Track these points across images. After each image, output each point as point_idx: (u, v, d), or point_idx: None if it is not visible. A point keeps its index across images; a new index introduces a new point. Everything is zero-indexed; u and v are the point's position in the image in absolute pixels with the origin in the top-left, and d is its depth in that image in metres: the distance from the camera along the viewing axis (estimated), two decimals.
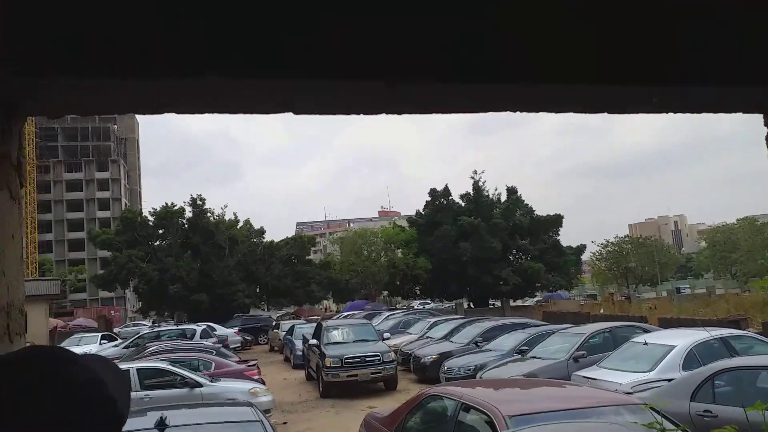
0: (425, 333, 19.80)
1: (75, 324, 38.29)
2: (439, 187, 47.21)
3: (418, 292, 49.06)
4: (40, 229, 79.67)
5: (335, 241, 58.15)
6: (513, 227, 43.81)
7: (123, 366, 11.10)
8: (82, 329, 34.29)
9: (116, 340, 26.56)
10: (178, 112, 1.20)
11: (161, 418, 4.00)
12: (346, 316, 28.30)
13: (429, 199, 47.04)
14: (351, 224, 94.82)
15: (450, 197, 46.77)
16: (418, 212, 48.04)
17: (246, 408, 4.77)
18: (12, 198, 1.09)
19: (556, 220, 45.96)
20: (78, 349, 18.22)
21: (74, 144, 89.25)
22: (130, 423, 3.50)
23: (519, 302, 46.58)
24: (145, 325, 37.28)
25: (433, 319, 22.33)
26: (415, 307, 43.25)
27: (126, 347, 21.32)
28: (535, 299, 48.94)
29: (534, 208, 46.86)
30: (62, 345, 15.81)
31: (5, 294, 1.02)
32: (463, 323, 18.91)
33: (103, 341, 25.84)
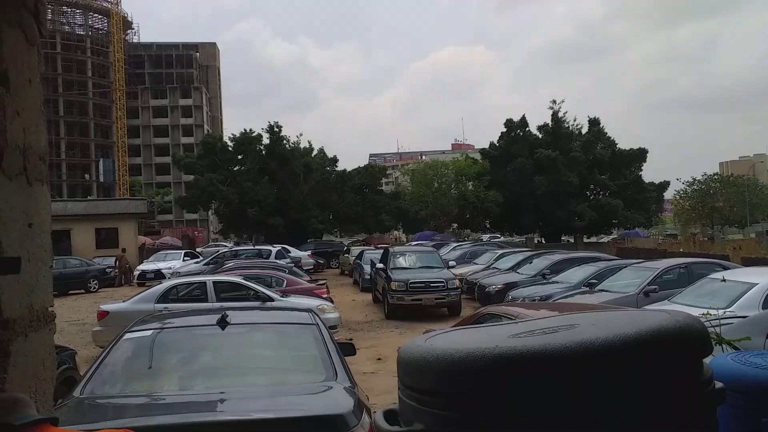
0: (492, 264, 19.74)
1: (161, 242, 41.01)
2: (516, 118, 45.64)
3: (488, 226, 48.63)
4: (130, 153, 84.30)
5: (406, 172, 58.04)
6: (592, 161, 41.99)
7: (201, 279, 11.89)
8: (168, 247, 36.67)
9: (198, 257, 28.28)
10: None
11: (223, 315, 4.19)
12: (414, 246, 28.65)
13: (504, 130, 45.60)
14: (423, 156, 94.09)
15: (527, 129, 45.11)
16: (492, 144, 46.82)
17: (304, 313, 4.91)
18: (28, 42, 1.08)
19: (639, 155, 43.63)
20: (163, 264, 19.69)
21: (159, 71, 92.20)
22: (198, 320, 3.69)
23: (593, 239, 45.30)
24: (226, 245, 39.23)
25: (500, 251, 22.18)
26: (484, 240, 43.05)
27: (206, 264, 22.72)
28: (611, 236, 47.41)
29: (616, 142, 44.62)
30: (150, 259, 17.19)
31: (21, 135, 1.03)
32: (530, 255, 18.67)
33: (186, 258, 27.66)
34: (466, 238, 46.84)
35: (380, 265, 16.22)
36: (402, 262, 16.18)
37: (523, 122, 45.18)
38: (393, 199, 47.09)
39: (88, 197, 61.35)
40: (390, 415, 1.43)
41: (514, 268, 17.33)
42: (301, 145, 45.72)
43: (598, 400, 1.27)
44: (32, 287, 1.09)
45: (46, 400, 1.14)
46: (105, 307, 10.76)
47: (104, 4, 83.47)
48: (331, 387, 3.50)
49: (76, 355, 6.80)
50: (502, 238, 44.88)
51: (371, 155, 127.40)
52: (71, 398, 3.36)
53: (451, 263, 17.80)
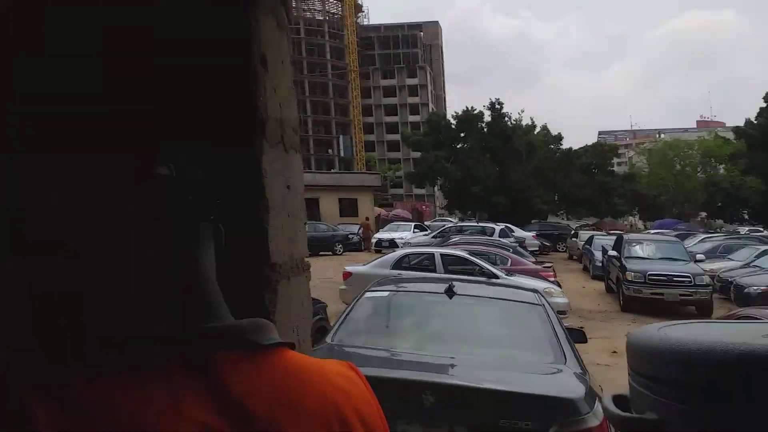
0: (752, 261, 16.96)
1: (394, 214, 43.67)
2: None
3: (746, 217, 41.98)
4: (365, 130, 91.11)
5: (642, 152, 53.10)
6: None
7: (430, 250, 12.52)
8: (400, 218, 38.93)
9: (426, 230, 29.56)
10: None
11: (450, 285, 4.39)
12: (653, 234, 26.04)
13: (764, 105, 38.51)
14: (661, 135, 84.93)
15: None
16: (748, 121, 39.95)
17: (530, 292, 4.87)
18: (279, 27, 1.22)
19: None
20: (396, 234, 20.91)
21: (387, 52, 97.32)
22: (428, 287, 3.83)
23: None
24: (451, 221, 40.25)
25: (763, 247, 18.93)
26: (742, 233, 37.24)
27: (434, 237, 23.63)
28: None
29: None
30: (384, 229, 18.53)
31: (277, 109, 1.16)
32: None
33: (415, 230, 29.20)
34: (717, 230, 41.14)
35: (613, 253, 15.01)
36: (638, 251, 14.75)
37: None
38: (626, 181, 43.45)
39: (332, 170, 67.92)
40: (620, 401, 1.42)
41: None
42: (523, 123, 44.61)
43: None
44: (292, 240, 1.26)
45: (304, 335, 1.32)
46: (349, 268, 11.83)
47: None
48: (561, 370, 3.43)
49: (327, 308, 7.55)
50: (765, 232, 38.38)
51: (600, 132, 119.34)
52: (324, 343, 3.84)
53: (699, 257, 15.65)
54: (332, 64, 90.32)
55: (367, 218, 32.38)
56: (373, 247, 26.35)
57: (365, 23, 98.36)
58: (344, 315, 4.29)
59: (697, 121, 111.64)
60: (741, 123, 41.31)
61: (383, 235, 27.72)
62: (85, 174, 0.58)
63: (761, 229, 41.45)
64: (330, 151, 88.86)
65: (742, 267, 16.48)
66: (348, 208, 34.36)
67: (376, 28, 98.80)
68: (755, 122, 39.26)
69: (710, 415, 1.18)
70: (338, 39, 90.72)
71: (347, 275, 11.32)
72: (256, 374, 0.59)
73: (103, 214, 0.58)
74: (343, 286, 11.12)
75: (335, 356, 3.61)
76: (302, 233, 1.38)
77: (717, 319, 6.35)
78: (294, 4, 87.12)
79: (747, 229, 42.74)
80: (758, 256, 17.18)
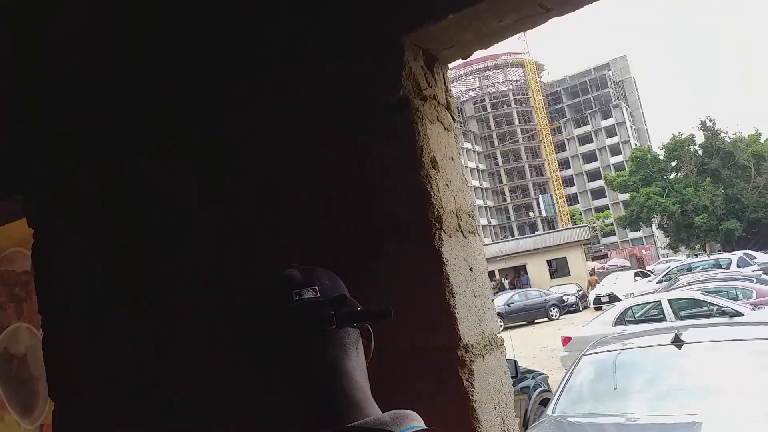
0: None
1: (610, 264, 40.82)
2: None
3: None
4: (564, 185, 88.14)
5: None
6: None
7: (655, 298, 11.54)
8: (618, 269, 36.30)
9: (649, 275, 27.11)
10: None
11: (676, 334, 4.08)
12: None
13: None
14: None
15: None
16: None
17: None
18: (446, 129, 1.42)
19: None
20: (615, 287, 19.32)
21: (577, 100, 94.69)
22: (652, 340, 3.69)
23: None
24: (677, 259, 36.49)
25: None
26: None
27: (659, 282, 21.56)
28: None
29: None
30: (601, 283, 17.21)
31: (452, 201, 1.35)
32: None
33: (636, 278, 26.91)
34: None
35: None
36: None
37: None
38: None
39: (536, 233, 66.50)
40: None
41: None
42: (744, 134, 39.54)
43: None
44: (481, 318, 1.34)
45: (507, 410, 1.35)
46: (568, 332, 11.44)
47: (518, 57, 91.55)
48: None
49: (548, 378, 7.39)
50: None
51: None
52: (546, 416, 3.75)
53: None
54: (522, 128, 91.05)
55: (591, 272, 30.73)
56: (591, 306, 24.86)
57: (549, 80, 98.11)
58: (563, 383, 4.12)
59: None
60: None
61: (600, 290, 25.86)
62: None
63: None
64: (531, 213, 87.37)
65: None
66: (558, 269, 33.13)
67: (561, 81, 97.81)
68: None
69: None
70: (524, 103, 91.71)
71: (566, 340, 10.92)
72: None
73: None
74: (564, 353, 10.70)
75: (563, 429, 3.53)
76: (490, 310, 1.46)
77: None
78: (478, 84, 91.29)
79: None
80: None
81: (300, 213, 1.40)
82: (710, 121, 39.80)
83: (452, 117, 1.47)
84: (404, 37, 1.26)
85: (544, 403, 5.24)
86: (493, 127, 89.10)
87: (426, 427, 0.72)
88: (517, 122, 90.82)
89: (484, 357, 1.30)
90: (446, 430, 0.79)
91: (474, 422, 1.20)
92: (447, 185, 1.33)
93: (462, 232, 1.36)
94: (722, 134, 39.56)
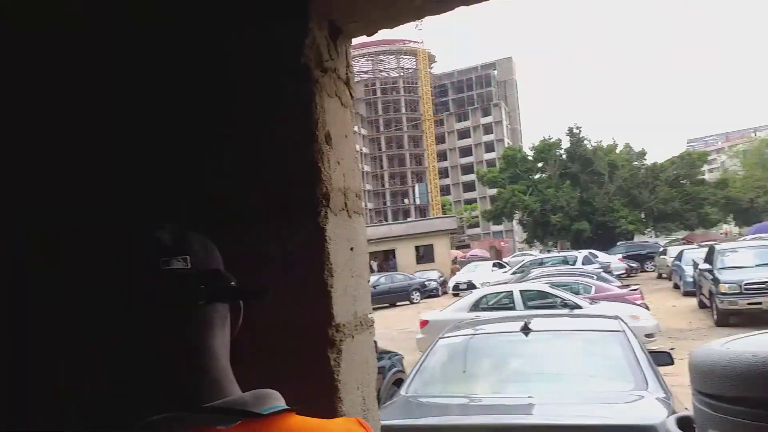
0: None
1: (471, 254, 43.25)
2: None
3: None
4: (440, 175, 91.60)
5: (735, 154, 50.09)
6: None
7: (508, 288, 12.31)
8: (478, 258, 38.55)
9: (505, 267, 29.13)
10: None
11: (525, 323, 4.34)
12: (749, 240, 24.41)
13: None
14: (756, 133, 79.77)
15: None
16: None
17: (611, 320, 4.72)
18: (343, 105, 1.38)
19: None
20: (473, 275, 20.42)
21: (462, 95, 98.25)
22: (504, 326, 3.92)
23: None
24: (531, 254, 39.50)
25: None
26: None
27: (513, 273, 23.24)
28: None
29: None
30: (461, 271, 18.05)
31: (341, 179, 1.32)
32: None
33: (493, 268, 28.69)
34: None
35: (705, 266, 14.30)
36: (732, 260, 13.97)
37: None
38: (718, 188, 41.05)
39: (408, 219, 68.57)
40: (683, 422, 1.45)
41: None
42: (604, 143, 43.56)
43: None
44: (355, 298, 1.33)
45: (370, 392, 1.35)
46: (425, 316, 11.77)
47: (413, 45, 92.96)
48: (642, 396, 3.38)
49: (404, 359, 7.58)
50: None
51: (689, 141, 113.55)
52: (399, 396, 3.86)
53: None
54: (408, 117, 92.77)
55: (454, 260, 32.11)
56: (450, 291, 25.95)
57: (438, 72, 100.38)
58: (419, 364, 4.22)
59: None
60: None
61: (460, 277, 27.04)
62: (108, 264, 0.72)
63: None
64: (406, 200, 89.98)
65: None
66: (425, 255, 34.36)
67: (449, 74, 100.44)
68: None
69: None
70: (413, 92, 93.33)
71: (424, 323, 11.20)
72: None
73: (116, 304, 0.69)
74: (420, 335, 10.96)
75: (411, 408, 3.67)
76: (365, 291, 1.46)
77: None
78: (371, 67, 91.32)
79: None
80: None
81: (185, 175, 1.31)
82: (577, 128, 43.21)
83: (350, 93, 1.45)
84: (311, 3, 1.22)
85: (398, 383, 5.36)
86: (380, 112, 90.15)
87: (287, 407, 0.70)
88: (404, 110, 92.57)
89: (353, 337, 1.30)
90: (305, 411, 0.73)
91: (336, 402, 1.21)
92: (338, 162, 1.31)
93: (348, 211, 1.35)
94: (585, 141, 43.13)
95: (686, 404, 3.84)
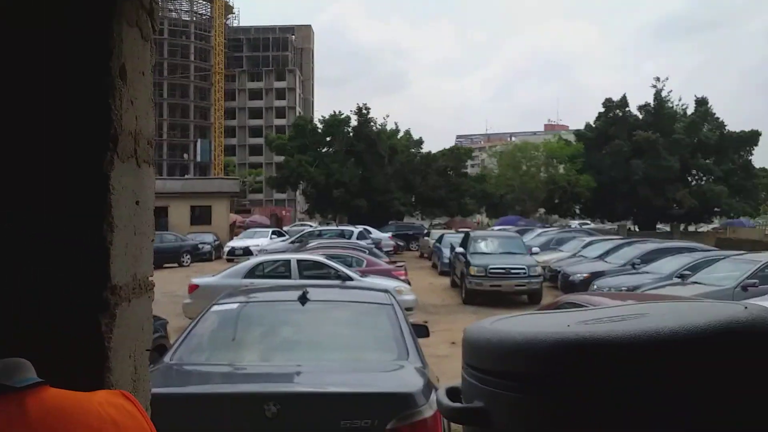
0: (578, 252, 19.15)
1: (251, 220, 42.80)
2: (616, 98, 43.18)
3: (578, 212, 46.97)
4: (226, 134, 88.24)
5: (493, 154, 57.11)
6: (696, 144, 39.40)
7: (285, 257, 12.36)
8: (257, 225, 38.26)
9: (284, 236, 29.39)
10: None
11: (304, 292, 4.35)
12: (496, 230, 28.22)
13: (602, 110, 43.40)
14: (512, 138, 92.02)
15: (627, 109, 42.68)
16: (588, 125, 44.73)
17: (381, 293, 4.99)
18: (143, 38, 1.22)
19: (750, 138, 40.34)
20: (251, 241, 20.25)
21: (257, 54, 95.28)
22: (280, 295, 3.87)
23: (692, 228, 42.66)
24: (311, 225, 40.46)
25: (588, 239, 21.44)
26: (572, 226, 41.66)
27: (292, 242, 23.56)
28: (712, 226, 44.45)
29: (725, 123, 41.45)
30: (239, 237, 17.67)
31: (133, 121, 1.16)
32: (620, 244, 17.94)
33: (273, 236, 28.66)
34: (552, 224, 45.53)
35: (460, 249, 16.16)
36: (483, 246, 16.03)
37: (623, 102, 42.76)
38: (477, 182, 46.52)
39: (186, 176, 64.97)
40: (452, 393, 1.45)
41: (602, 257, 16.75)
42: (388, 127, 46.12)
43: (661, 391, 1.26)
44: (136, 258, 1.21)
45: (143, 361, 1.26)
46: (195, 280, 11.27)
47: None
48: (403, 366, 3.57)
49: (168, 325, 7.15)
50: (592, 225, 43.12)
51: (458, 136, 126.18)
52: (162, 363, 3.61)
53: (535, 250, 17.43)
54: (196, 66, 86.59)
55: (232, 225, 31.22)
56: (225, 257, 25.32)
57: (235, 25, 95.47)
58: (187, 331, 4.03)
59: (545, 125, 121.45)
60: (582, 126, 46.07)
61: (236, 242, 26.56)
62: None
63: (589, 223, 46.66)
64: (186, 155, 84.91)
65: (569, 257, 18.56)
66: (201, 217, 32.91)
67: (246, 30, 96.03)
68: (593, 125, 43.96)
69: (531, 402, 1.26)
70: (204, 40, 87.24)
71: (193, 288, 10.77)
72: (7, 419, 0.59)
73: None
74: (188, 300, 10.54)
75: (172, 376, 3.46)
76: (148, 251, 1.35)
77: (546, 306, 7.19)
78: (159, 3, 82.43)
79: (577, 222, 47.86)
80: (584, 247, 19.43)
81: None
82: (365, 109, 45.00)
83: (153, 26, 1.28)
84: None
85: (161, 350, 5.05)
86: (166, 55, 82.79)
87: (39, 379, 0.64)
88: (192, 58, 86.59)
89: (131, 301, 1.19)
90: (65, 383, 0.67)
91: (105, 372, 1.10)
92: (132, 102, 1.16)
93: (137, 159, 1.21)
94: (372, 123, 45.17)
95: (437, 373, 4.30)
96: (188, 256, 25.47)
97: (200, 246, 26.92)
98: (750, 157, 41.06)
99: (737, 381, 1.27)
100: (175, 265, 24.26)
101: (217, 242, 28.87)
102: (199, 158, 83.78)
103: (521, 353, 1.25)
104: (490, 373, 1.33)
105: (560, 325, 1.36)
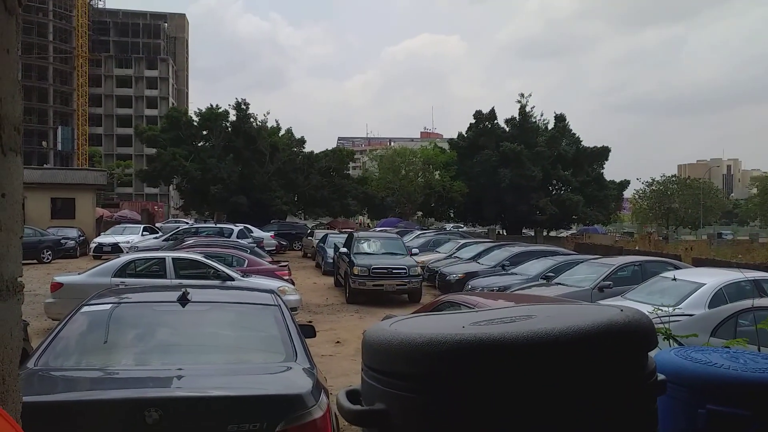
0: (453, 253, 20.03)
1: (120, 215, 40.11)
2: (485, 111, 46.03)
3: (452, 215, 49.25)
4: (91, 122, 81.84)
5: (374, 157, 58.10)
6: (557, 156, 42.94)
7: (160, 255, 11.68)
8: (127, 220, 35.88)
9: (157, 233, 27.77)
10: None
11: (184, 292, 4.15)
12: (378, 232, 28.74)
13: (473, 122, 46.09)
14: (392, 143, 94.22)
15: (495, 121, 45.73)
16: (460, 135, 47.19)
17: (266, 293, 4.87)
18: (8, 11, 1.09)
19: (602, 153, 44.80)
20: (121, 238, 19.12)
21: (125, 39, 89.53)
22: (158, 296, 3.62)
23: (553, 233, 46.37)
24: (186, 222, 38.63)
25: (462, 241, 22.50)
26: (447, 229, 43.56)
27: (165, 240, 22.30)
28: (570, 231, 48.56)
29: (581, 139, 45.74)
30: (107, 232, 16.61)
31: None
32: (491, 246, 19.01)
33: (144, 233, 27.02)
34: (429, 227, 47.26)
35: (344, 250, 16.28)
36: (365, 247, 16.26)
37: (492, 115, 45.74)
38: (360, 184, 47.06)
39: (45, 165, 59.36)
40: (352, 395, 1.49)
41: (475, 258, 17.64)
42: (269, 125, 45.33)
43: (552, 387, 1.35)
44: (2, 257, 1.10)
45: (12, 368, 1.16)
46: (59, 278, 10.44)
47: None
48: (291, 367, 3.51)
49: (29, 326, 6.61)
50: (465, 228, 45.40)
51: (339, 138, 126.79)
52: (24, 369, 3.28)
53: (414, 251, 17.98)
54: (56, 46, 79.12)
55: (98, 220, 29.14)
56: (91, 253, 23.79)
57: (100, 6, 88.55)
58: (53, 335, 3.73)
59: (421, 132, 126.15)
60: (455, 135, 48.23)
61: (104, 239, 24.88)
62: None
63: (462, 226, 49.04)
64: (44, 143, 77.52)
65: (445, 258, 19.38)
66: (63, 210, 30.36)
67: (114, 13, 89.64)
68: (465, 135, 46.30)
69: (431, 402, 1.31)
70: (65, 20, 80.00)
71: (56, 286, 10.03)
72: None
73: None
74: (51, 299, 9.86)
75: (36, 383, 3.15)
76: (16, 248, 1.23)
77: (428, 305, 7.45)
78: None
79: (452, 225, 50.15)
80: (458, 249, 20.37)
81: None
82: (245, 104, 43.84)
83: (20, 1, 1.17)
84: None
85: (22, 354, 4.55)
86: (21, 33, 75.18)
87: None
88: (51, 38, 79.24)
89: None
90: None
91: None
92: None
93: (2, 147, 1.09)
94: (251, 119, 44.06)
95: (324, 373, 4.28)
96: (49, 252, 23.36)
97: (63, 241, 24.79)
98: (602, 171, 45.50)
99: (614, 373, 1.42)
100: (35, 261, 22.30)
101: (82, 238, 26.72)
102: (60, 147, 76.88)
103: (423, 355, 1.30)
104: (391, 375, 1.36)
105: (455, 326, 1.44)
